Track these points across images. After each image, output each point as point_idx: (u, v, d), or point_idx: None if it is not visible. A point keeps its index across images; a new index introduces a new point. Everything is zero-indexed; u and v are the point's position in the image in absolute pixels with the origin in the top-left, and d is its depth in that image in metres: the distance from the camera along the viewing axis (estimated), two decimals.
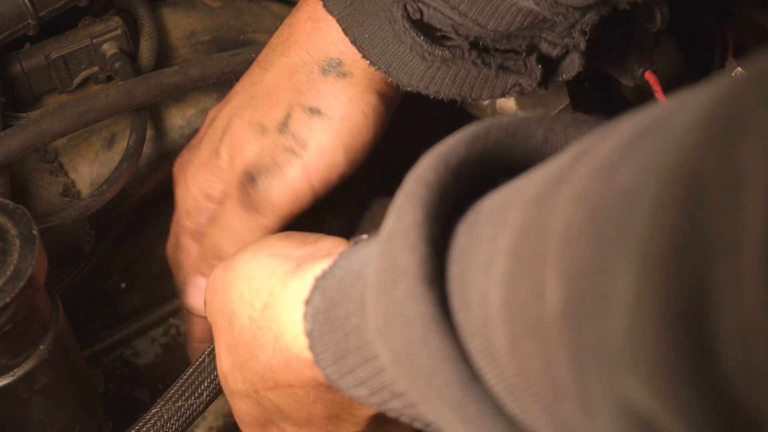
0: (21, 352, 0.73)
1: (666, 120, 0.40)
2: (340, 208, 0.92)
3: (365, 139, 0.81)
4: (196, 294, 0.87)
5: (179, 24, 0.99)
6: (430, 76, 0.75)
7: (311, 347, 0.61)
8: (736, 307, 0.34)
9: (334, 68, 0.79)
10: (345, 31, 0.77)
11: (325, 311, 0.60)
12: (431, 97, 0.76)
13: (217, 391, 0.83)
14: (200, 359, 0.82)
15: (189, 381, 0.81)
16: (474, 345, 0.50)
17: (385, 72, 0.76)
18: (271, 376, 0.66)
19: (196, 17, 1.00)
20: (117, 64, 0.90)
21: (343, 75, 0.79)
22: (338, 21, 0.77)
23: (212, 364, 0.82)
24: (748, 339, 0.33)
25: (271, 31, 0.90)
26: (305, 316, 0.61)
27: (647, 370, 0.38)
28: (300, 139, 0.80)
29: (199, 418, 0.97)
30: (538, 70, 0.73)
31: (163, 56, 0.96)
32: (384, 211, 0.95)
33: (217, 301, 0.71)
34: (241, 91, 0.85)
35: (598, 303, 0.41)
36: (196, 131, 0.95)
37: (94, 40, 0.90)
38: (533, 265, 0.46)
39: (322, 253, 0.66)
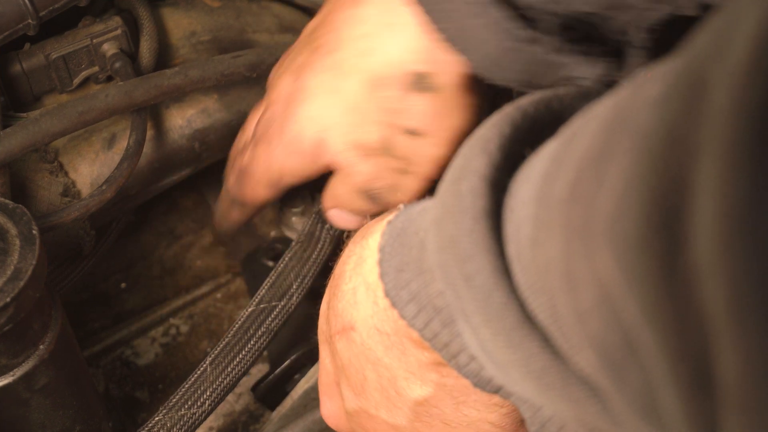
0: (21, 352, 0.73)
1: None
2: None
3: (462, 139, 0.81)
4: None
5: (179, 24, 0.99)
6: (506, 58, 0.71)
7: (380, 262, 0.63)
8: (708, 202, 0.36)
9: (421, 83, 0.77)
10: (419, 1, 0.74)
11: (400, 230, 0.63)
12: (495, 83, 0.73)
13: (219, 400, 0.83)
14: (202, 368, 0.83)
15: (191, 390, 0.81)
16: (510, 249, 0.54)
17: (460, 50, 0.72)
18: (341, 315, 0.68)
19: (196, 17, 1.00)
20: (117, 64, 0.90)
21: (431, 89, 0.77)
22: None
23: (214, 373, 0.82)
24: (715, 233, 0.35)
25: (271, 31, 0.90)
26: (382, 234, 0.63)
27: (622, 248, 0.41)
28: (408, 159, 0.80)
29: None
30: (605, 64, 0.72)
31: (163, 56, 0.96)
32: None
33: None
34: (320, 93, 0.82)
35: (591, 187, 0.45)
36: (196, 131, 0.96)
37: (94, 40, 0.90)
38: (562, 161, 0.50)
39: None
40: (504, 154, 0.55)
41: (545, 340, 0.53)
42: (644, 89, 0.44)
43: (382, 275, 0.62)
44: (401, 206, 0.64)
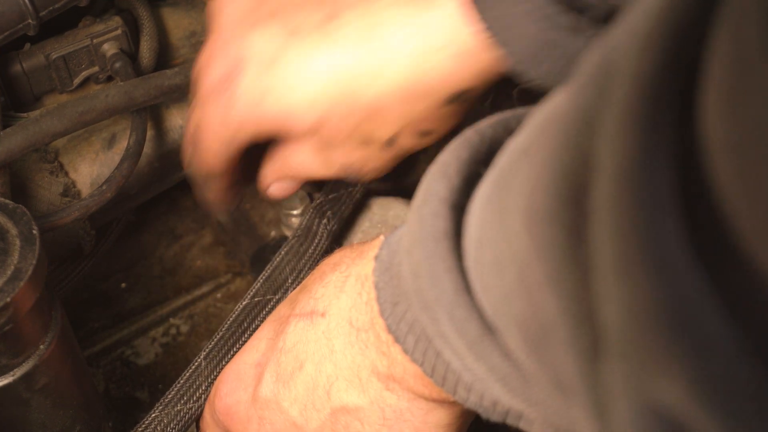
0: (21, 352, 0.73)
1: None
2: (339, 211, 0.93)
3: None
4: None
5: (179, 24, 0.99)
6: (545, 51, 0.67)
7: (378, 299, 0.63)
8: (604, 164, 0.38)
9: (459, 98, 0.74)
10: None
11: (387, 261, 0.63)
12: (530, 82, 0.69)
13: None
14: (196, 363, 0.83)
15: (187, 385, 0.81)
16: (467, 263, 0.56)
17: (500, 42, 0.68)
18: (317, 299, 0.69)
19: (197, 17, 1.00)
20: (117, 64, 0.90)
21: (465, 102, 0.75)
22: None
23: (208, 368, 0.82)
24: (613, 184, 0.37)
25: None
26: (374, 270, 0.64)
27: (534, 219, 0.44)
28: (406, 149, 0.79)
29: None
30: None
31: (163, 56, 0.96)
32: (384, 211, 0.96)
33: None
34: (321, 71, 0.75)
35: (516, 170, 0.49)
36: None
37: (95, 40, 0.90)
38: (501, 166, 0.53)
39: None
40: (462, 176, 0.57)
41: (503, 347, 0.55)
42: (569, 83, 0.46)
43: (382, 312, 0.63)
44: (382, 237, 0.66)
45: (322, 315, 0.68)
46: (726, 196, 0.35)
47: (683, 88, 0.37)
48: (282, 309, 0.75)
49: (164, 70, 0.89)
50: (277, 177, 0.84)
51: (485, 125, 0.59)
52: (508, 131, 0.58)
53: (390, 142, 0.77)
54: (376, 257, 0.65)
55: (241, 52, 0.75)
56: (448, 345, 0.58)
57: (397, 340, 0.62)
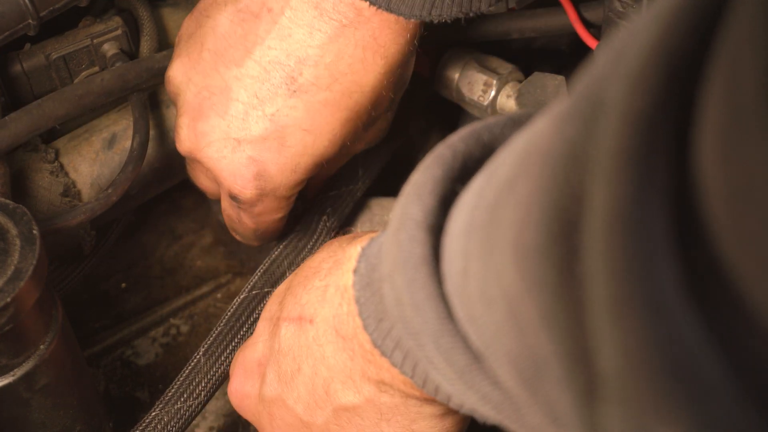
0: (21, 352, 0.73)
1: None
2: (339, 208, 0.93)
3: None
4: None
5: (179, 24, 0.99)
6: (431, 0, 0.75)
7: (360, 314, 0.63)
8: (596, 205, 0.37)
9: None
10: None
11: (367, 275, 0.63)
12: (434, 23, 0.76)
13: (214, 390, 0.83)
14: (195, 360, 0.83)
15: (186, 382, 0.81)
16: (447, 287, 0.55)
17: (386, 8, 0.76)
18: (303, 306, 0.69)
19: None
20: (117, 64, 0.90)
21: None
22: None
23: (207, 364, 0.82)
24: (607, 225, 0.37)
25: None
26: (354, 284, 0.64)
27: (523, 256, 0.43)
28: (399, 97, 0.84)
29: (200, 418, 0.97)
30: None
31: None
32: (384, 212, 0.96)
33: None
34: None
35: (504, 204, 0.47)
36: None
37: (95, 40, 0.90)
38: (484, 192, 0.51)
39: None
40: (437, 197, 0.56)
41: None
42: (553, 112, 0.45)
43: (366, 327, 0.63)
44: (359, 248, 0.65)
45: (310, 322, 0.68)
46: (722, 239, 0.35)
47: (678, 126, 0.36)
48: (272, 307, 0.75)
49: (154, 54, 0.91)
50: (317, 186, 0.92)
51: (456, 139, 0.58)
52: (480, 144, 0.58)
53: (390, 106, 0.85)
54: (355, 270, 0.64)
55: (249, 161, 0.82)
56: (437, 371, 0.58)
57: (383, 354, 0.62)
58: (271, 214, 0.86)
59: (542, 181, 0.42)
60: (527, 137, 0.48)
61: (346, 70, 0.79)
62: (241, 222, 0.88)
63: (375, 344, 0.62)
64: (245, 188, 0.82)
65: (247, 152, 0.80)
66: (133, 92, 0.89)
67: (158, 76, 0.89)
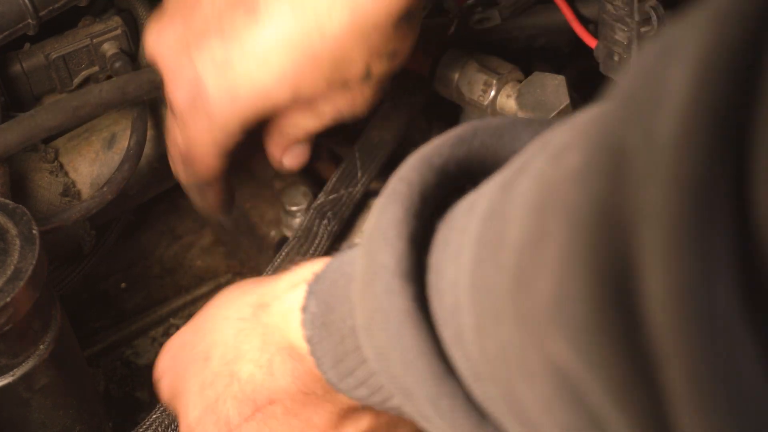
0: (21, 352, 0.73)
1: (603, 99, 0.42)
2: (339, 211, 0.92)
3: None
4: None
5: None
6: None
7: (312, 353, 0.61)
8: (660, 271, 0.34)
9: (405, 17, 0.79)
10: None
11: (322, 316, 0.60)
12: None
13: None
14: None
15: None
16: (447, 334, 0.51)
17: None
18: (255, 393, 0.65)
19: None
20: (117, 64, 0.90)
21: (412, 18, 0.80)
22: None
23: None
24: (672, 302, 0.34)
25: None
26: (303, 323, 0.62)
27: (572, 329, 0.39)
28: (384, 75, 0.82)
29: None
30: None
31: None
32: None
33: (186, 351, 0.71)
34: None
35: (533, 271, 0.43)
36: None
37: (94, 40, 0.90)
38: (496, 247, 0.47)
39: (303, 270, 0.66)
40: (404, 239, 0.53)
41: None
42: (564, 161, 0.42)
43: (318, 365, 0.61)
44: (305, 286, 0.62)
45: (272, 403, 0.65)
46: None
47: (731, 187, 0.34)
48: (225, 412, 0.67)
49: None
50: (284, 148, 0.88)
51: (408, 170, 0.54)
52: (433, 170, 0.54)
53: (365, 76, 0.81)
54: (304, 309, 0.61)
55: (194, 71, 0.81)
56: (430, 424, 0.55)
57: (341, 392, 0.61)
58: (204, 143, 0.83)
59: (574, 243, 0.39)
60: (535, 187, 0.45)
61: (308, 7, 0.77)
62: (176, 145, 0.86)
63: (335, 387, 0.61)
64: (177, 89, 0.81)
65: (193, 58, 0.80)
66: (133, 105, 0.88)
67: (160, 88, 0.87)
